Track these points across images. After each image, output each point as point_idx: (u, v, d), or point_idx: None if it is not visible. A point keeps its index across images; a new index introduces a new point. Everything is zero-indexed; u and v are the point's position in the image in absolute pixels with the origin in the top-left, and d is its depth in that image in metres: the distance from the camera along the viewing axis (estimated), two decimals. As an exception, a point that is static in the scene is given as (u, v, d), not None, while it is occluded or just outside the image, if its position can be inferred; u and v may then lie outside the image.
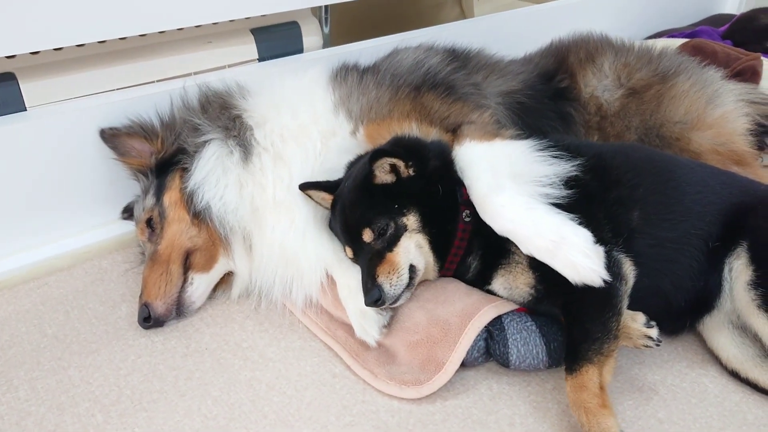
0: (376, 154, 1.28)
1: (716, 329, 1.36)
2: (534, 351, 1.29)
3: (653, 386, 1.29)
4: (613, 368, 1.20)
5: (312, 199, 1.46)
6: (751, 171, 1.68)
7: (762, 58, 2.45)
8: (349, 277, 1.43)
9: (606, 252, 1.23)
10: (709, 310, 1.36)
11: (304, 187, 1.45)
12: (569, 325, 1.25)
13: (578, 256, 1.19)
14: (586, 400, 1.15)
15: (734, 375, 1.33)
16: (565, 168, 1.33)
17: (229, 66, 1.90)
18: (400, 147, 1.37)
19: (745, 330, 1.33)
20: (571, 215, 1.26)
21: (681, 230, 1.33)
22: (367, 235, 1.32)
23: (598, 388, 1.16)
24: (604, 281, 1.18)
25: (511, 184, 1.29)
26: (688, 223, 1.33)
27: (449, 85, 1.58)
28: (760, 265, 1.27)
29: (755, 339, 1.30)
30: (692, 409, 1.24)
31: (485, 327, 1.30)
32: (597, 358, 1.17)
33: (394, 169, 1.32)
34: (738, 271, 1.30)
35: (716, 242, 1.32)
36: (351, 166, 1.45)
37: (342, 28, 2.43)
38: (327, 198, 1.42)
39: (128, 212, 1.73)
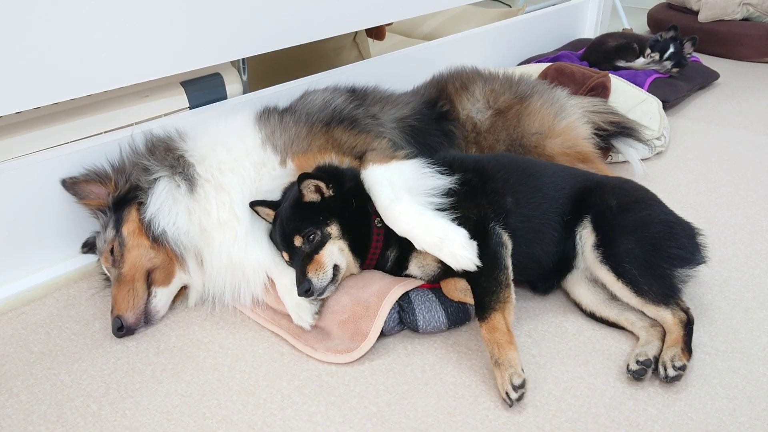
0: (302, 177, 1.61)
1: (576, 283, 1.75)
2: (436, 316, 1.67)
3: (528, 333, 1.69)
4: (513, 310, 1.54)
5: (259, 214, 1.77)
6: (594, 166, 2.13)
7: (610, 75, 2.96)
8: (285, 277, 1.74)
9: (490, 226, 1.62)
10: (570, 270, 1.75)
11: (254, 204, 1.75)
12: (472, 286, 1.59)
13: (458, 249, 1.54)
14: (498, 338, 1.49)
15: (591, 316, 1.72)
16: (446, 181, 1.69)
17: (165, 114, 2.17)
18: (322, 172, 1.71)
19: (596, 281, 1.71)
20: (453, 216, 1.62)
21: (542, 209, 1.72)
22: (299, 241, 1.64)
23: (506, 328, 1.51)
24: (482, 258, 1.55)
25: (406, 196, 1.64)
26: (547, 204, 1.73)
27: (353, 119, 1.93)
28: (600, 231, 1.67)
29: (603, 287, 1.69)
30: (556, 345, 1.65)
31: (397, 302, 1.66)
32: (498, 305, 1.52)
33: (318, 190, 1.65)
34: (585, 237, 1.69)
35: (569, 216, 1.73)
36: (287, 191, 1.76)
37: (258, 74, 2.76)
38: (270, 214, 1.74)
39: (87, 246, 1.97)
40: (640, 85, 3.03)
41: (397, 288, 1.67)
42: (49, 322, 1.81)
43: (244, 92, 2.43)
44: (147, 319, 1.76)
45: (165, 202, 1.78)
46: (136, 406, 1.51)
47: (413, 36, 4.18)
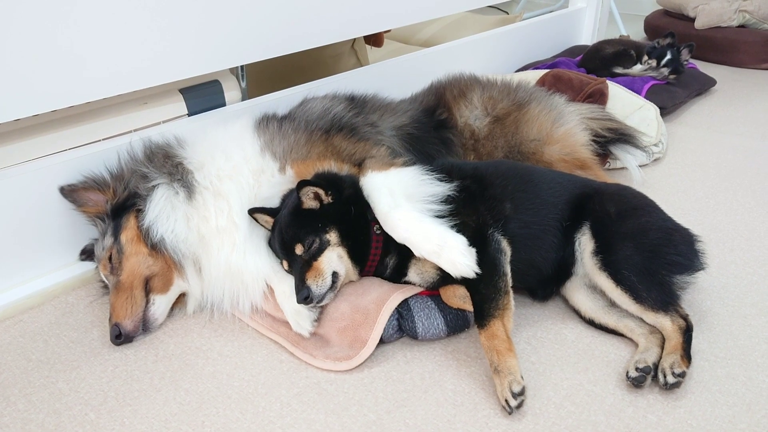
0: (301, 184, 1.61)
1: (575, 290, 1.75)
2: (435, 323, 1.66)
3: (527, 340, 1.68)
4: (512, 317, 1.54)
5: (257, 221, 1.77)
6: (592, 173, 2.13)
7: (607, 81, 2.97)
8: (284, 284, 1.74)
9: (489, 233, 1.62)
10: (569, 276, 1.75)
11: (252, 211, 1.75)
12: (471, 293, 1.58)
13: (457, 256, 1.54)
14: (497, 345, 1.48)
15: (591, 323, 1.72)
16: (445, 188, 1.69)
17: (164, 122, 2.17)
18: (321, 179, 1.71)
19: (595, 288, 1.71)
20: (452, 223, 1.62)
21: (541, 215, 1.72)
22: (299, 249, 1.64)
23: (505, 335, 1.50)
24: (481, 265, 1.55)
25: (405, 203, 1.64)
26: (546, 209, 1.73)
27: (352, 127, 1.93)
28: (599, 237, 1.67)
29: (602, 294, 1.68)
30: (555, 352, 1.64)
31: (396, 309, 1.66)
32: (497, 312, 1.52)
33: (317, 197, 1.65)
34: (584, 243, 1.69)
35: (568, 222, 1.72)
36: (286, 197, 1.75)
37: (257, 81, 2.76)
38: (269, 221, 1.74)
39: (85, 254, 1.96)
40: (638, 91, 3.03)
41: (396, 295, 1.66)
42: (47, 329, 1.80)
43: (243, 99, 2.43)
44: (145, 326, 1.76)
45: (163, 209, 1.77)
46: (134, 414, 1.50)
47: (411, 43, 4.19)
